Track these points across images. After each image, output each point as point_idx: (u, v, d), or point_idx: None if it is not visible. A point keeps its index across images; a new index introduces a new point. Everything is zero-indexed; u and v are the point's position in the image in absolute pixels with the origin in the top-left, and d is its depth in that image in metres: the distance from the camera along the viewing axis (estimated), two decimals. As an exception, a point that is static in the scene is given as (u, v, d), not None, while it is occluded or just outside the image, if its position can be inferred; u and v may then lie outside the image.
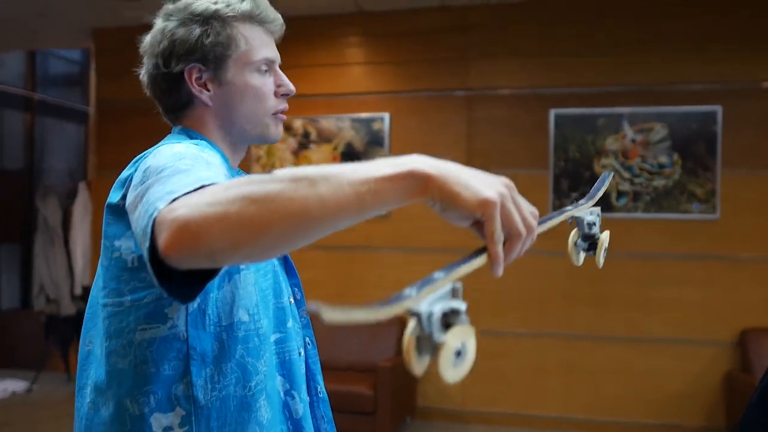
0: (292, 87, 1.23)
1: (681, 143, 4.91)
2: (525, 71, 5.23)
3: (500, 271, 0.83)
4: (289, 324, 1.20)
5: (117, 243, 1.08)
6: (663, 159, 4.94)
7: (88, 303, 1.18)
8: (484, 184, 0.79)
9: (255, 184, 0.75)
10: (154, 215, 0.80)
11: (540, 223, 0.89)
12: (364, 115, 5.49)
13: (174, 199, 0.80)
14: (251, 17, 1.19)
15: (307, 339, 1.29)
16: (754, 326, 4.73)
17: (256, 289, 1.12)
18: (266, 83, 1.21)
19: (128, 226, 1.05)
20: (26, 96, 8.17)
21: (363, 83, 5.54)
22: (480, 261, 0.82)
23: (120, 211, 1.07)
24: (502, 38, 5.27)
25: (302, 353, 1.25)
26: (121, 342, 1.06)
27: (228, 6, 1.17)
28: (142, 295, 1.05)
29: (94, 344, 1.13)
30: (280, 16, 1.23)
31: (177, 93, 1.20)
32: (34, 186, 8.13)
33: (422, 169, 0.79)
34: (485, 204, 0.77)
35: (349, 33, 5.60)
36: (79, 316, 6.26)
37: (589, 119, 5.01)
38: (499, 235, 0.80)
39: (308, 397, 1.27)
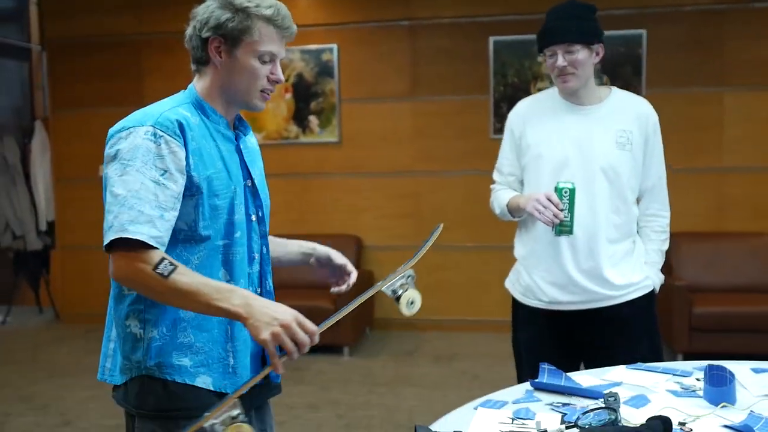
0: (281, 78, 1.63)
1: (609, 65, 5.29)
2: (465, 1, 5.50)
3: (281, 371, 1.43)
4: (237, 234, 1.59)
5: None
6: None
7: None
8: (267, 326, 1.38)
9: (161, 285, 1.42)
10: (108, 241, 1.43)
11: (353, 302, 1.60)
12: (313, 46, 5.71)
13: (124, 238, 1.41)
14: (269, 20, 1.57)
15: (264, 248, 1.70)
16: (673, 231, 5.10)
17: (199, 207, 1.53)
18: (263, 69, 1.59)
19: None
20: (-36, 34, 8.01)
21: (311, 15, 5.72)
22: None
23: None
24: (443, -31, 5.50)
25: (256, 257, 1.67)
26: None
27: (256, 7, 1.55)
28: None
29: None
30: (294, 26, 1.62)
31: (201, 52, 1.60)
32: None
33: (239, 312, 1.41)
34: (263, 342, 1.39)
35: (295, -35, 5.75)
36: (45, 250, 6.47)
37: (526, 45, 5.32)
38: (274, 353, 1.39)
39: (259, 289, 1.68)
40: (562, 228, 2.20)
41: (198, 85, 1.63)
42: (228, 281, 1.57)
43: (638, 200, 2.40)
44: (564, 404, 1.70)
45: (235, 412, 1.30)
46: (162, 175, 1.46)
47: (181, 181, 1.49)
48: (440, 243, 6.00)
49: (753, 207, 5.26)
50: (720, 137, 5.27)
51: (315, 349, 5.01)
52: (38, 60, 8.71)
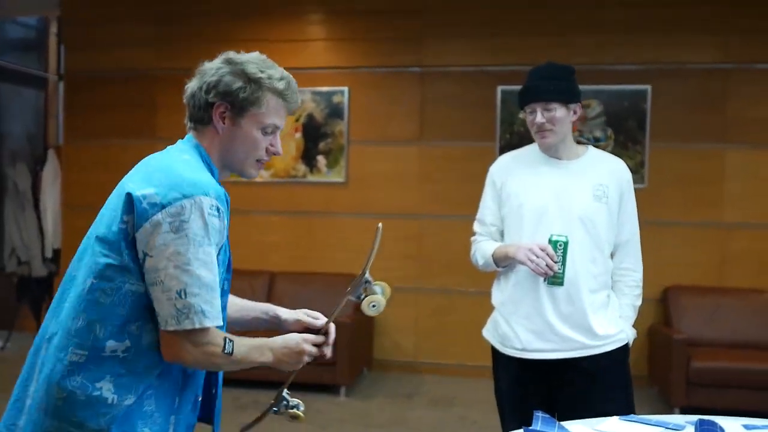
0: (280, 150, 1.65)
1: (614, 119, 5.39)
2: (474, 51, 5.63)
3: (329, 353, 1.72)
4: (225, 299, 1.63)
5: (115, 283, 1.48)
6: (598, 133, 5.42)
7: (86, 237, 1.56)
8: (294, 364, 1.65)
9: (226, 361, 1.52)
10: (189, 327, 1.44)
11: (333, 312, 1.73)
12: (324, 88, 5.82)
13: (203, 328, 1.45)
14: (279, 93, 1.57)
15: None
16: (675, 284, 5.28)
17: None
18: (264, 140, 1.60)
19: (124, 257, 1.46)
20: (-15, 62, 8.18)
21: (323, 58, 5.85)
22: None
23: (116, 242, 1.46)
24: (454, 20, 5.64)
25: None
26: (109, 285, 1.45)
27: (269, 79, 1.56)
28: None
29: (78, 274, 1.51)
30: (300, 100, 1.66)
31: (203, 113, 1.57)
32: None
33: (272, 363, 1.60)
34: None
35: (310, 10, 5.90)
36: (50, 277, 6.51)
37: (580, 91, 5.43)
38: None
39: None
40: (555, 279, 2.25)
41: (203, 143, 1.60)
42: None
43: (612, 255, 2.44)
44: (557, 453, 1.73)
45: (368, 284, 1.76)
46: (219, 252, 1.51)
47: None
48: (442, 286, 6.07)
49: (755, 263, 5.28)
50: (721, 193, 5.32)
51: (312, 389, 5.00)
52: (54, 89, 8.89)
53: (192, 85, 1.58)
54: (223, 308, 1.58)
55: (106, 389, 1.42)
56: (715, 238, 5.33)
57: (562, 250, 2.24)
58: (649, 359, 5.25)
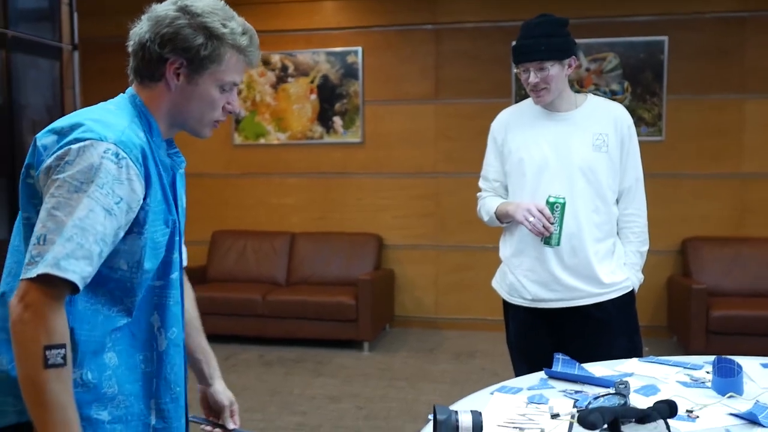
0: (237, 109, 1.47)
1: (631, 71, 5.35)
2: (487, 6, 5.59)
3: None
4: (173, 275, 1.40)
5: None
6: (615, 86, 5.39)
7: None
8: None
9: (33, 366, 1.17)
10: (35, 274, 1.15)
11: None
12: (338, 49, 5.82)
13: (45, 278, 1.15)
14: (242, 50, 1.39)
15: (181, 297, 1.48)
16: (693, 236, 5.30)
17: (146, 246, 1.32)
18: (221, 98, 1.42)
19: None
20: (0, 33, 8.23)
21: (337, 18, 5.84)
22: None
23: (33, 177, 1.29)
24: (467, -26, 5.59)
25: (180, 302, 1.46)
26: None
27: (232, 34, 1.37)
28: None
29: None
30: (259, 56, 1.46)
31: (153, 67, 1.37)
32: (14, 122, 8.31)
33: None
34: None
35: (323, -31, 5.87)
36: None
37: (575, 42, 5.40)
38: None
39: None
40: (549, 240, 2.28)
41: (143, 95, 1.40)
42: (158, 328, 1.40)
43: (618, 201, 2.45)
44: (576, 391, 1.78)
45: None
46: (117, 203, 1.24)
47: (128, 215, 1.27)
48: (460, 243, 6.11)
49: (773, 213, 5.29)
50: (740, 143, 5.30)
51: (336, 344, 5.10)
52: (69, 59, 8.93)
53: (140, 33, 1.38)
54: (167, 264, 1.39)
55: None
56: (733, 188, 5.32)
57: (559, 212, 2.25)
58: (668, 309, 5.29)
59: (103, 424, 1.31)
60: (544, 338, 2.45)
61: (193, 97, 1.39)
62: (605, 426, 1.30)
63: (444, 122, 5.69)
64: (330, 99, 5.87)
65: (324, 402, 4.10)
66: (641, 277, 2.49)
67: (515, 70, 2.41)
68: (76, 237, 1.18)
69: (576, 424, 1.38)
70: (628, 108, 5.28)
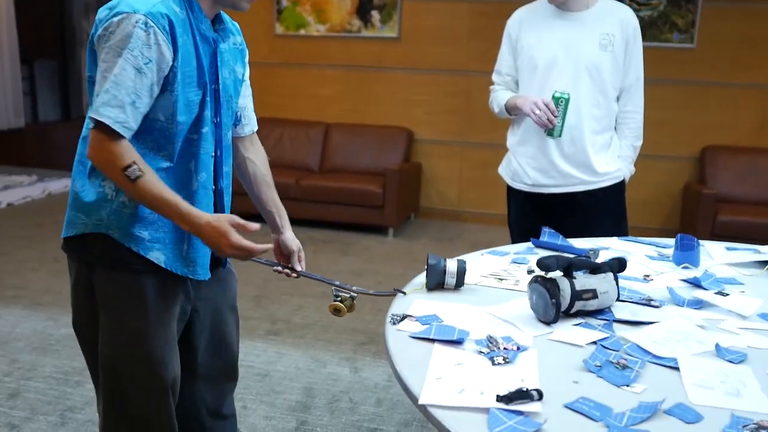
0: None
1: (668, -24, 5.37)
2: None
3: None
4: (204, 130, 1.63)
5: None
6: (651, -9, 5.42)
7: None
8: (208, 244, 1.57)
9: (128, 186, 1.50)
10: (91, 125, 1.48)
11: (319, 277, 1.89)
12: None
13: (106, 126, 1.46)
14: None
15: (218, 150, 1.72)
16: (713, 144, 5.45)
17: (177, 101, 1.56)
18: None
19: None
20: None
21: None
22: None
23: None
24: None
25: (214, 155, 1.69)
26: None
27: None
28: None
29: None
30: None
31: None
32: (64, 4, 8.56)
33: (191, 230, 1.56)
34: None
35: None
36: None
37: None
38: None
39: (214, 186, 1.71)
40: (551, 132, 2.52)
41: None
42: (194, 172, 1.65)
43: (618, 99, 2.65)
44: (555, 257, 2.09)
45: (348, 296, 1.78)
46: (146, 64, 1.49)
47: (159, 74, 1.52)
48: (487, 141, 6.34)
49: (795, 126, 5.39)
50: (769, 54, 5.34)
51: (362, 228, 5.49)
52: None
53: None
54: (199, 119, 1.62)
55: (108, 186, 1.58)
56: (757, 99, 5.41)
57: (563, 106, 2.46)
58: (681, 214, 5.52)
59: (144, 241, 1.60)
60: (540, 220, 2.73)
61: None
62: (560, 270, 1.60)
63: (477, 21, 5.80)
64: (369, -7, 6.01)
65: (348, 276, 4.50)
66: (633, 169, 2.74)
67: None
68: (111, 90, 1.47)
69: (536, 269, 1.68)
70: (662, 14, 5.39)
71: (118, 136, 1.49)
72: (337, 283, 1.82)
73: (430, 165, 6.13)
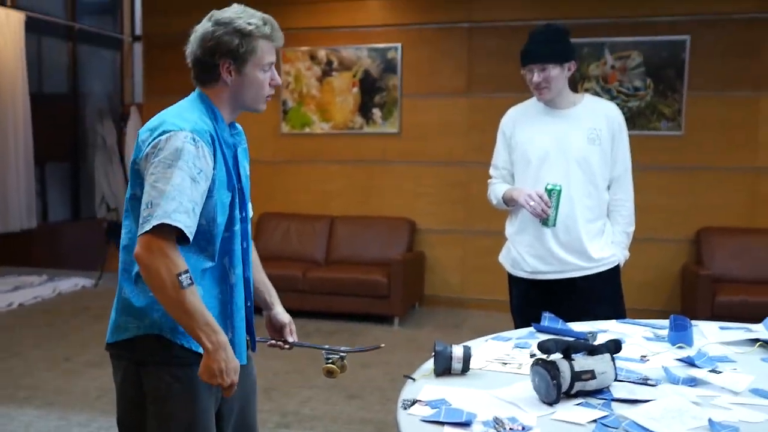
0: (279, 81, 1.86)
1: (653, 69, 5.66)
2: (520, 6, 5.95)
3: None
4: (236, 228, 1.80)
5: None
6: (638, 83, 5.71)
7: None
8: (212, 375, 1.66)
9: (173, 291, 1.60)
10: (151, 226, 1.56)
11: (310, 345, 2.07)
12: (379, 45, 6.26)
13: (160, 227, 1.57)
14: (268, 37, 1.78)
15: (244, 242, 1.87)
16: (708, 225, 5.60)
17: (216, 205, 1.72)
18: (266, 78, 1.81)
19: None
20: (67, 25, 8.82)
21: (379, 16, 6.27)
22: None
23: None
24: (500, -23, 5.95)
25: (242, 247, 1.85)
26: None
27: (257, 29, 1.75)
28: None
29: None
30: (282, 36, 1.84)
31: (211, 72, 1.77)
32: (78, 109, 8.93)
33: (207, 347, 1.64)
34: (199, 375, 1.69)
35: (365, -29, 6.29)
36: (134, 223, 7.20)
37: (576, 48, 5.73)
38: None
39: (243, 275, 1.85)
40: (546, 221, 2.66)
41: (208, 93, 1.79)
42: (228, 267, 1.79)
43: (609, 188, 2.81)
44: (556, 340, 2.19)
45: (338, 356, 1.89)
46: (198, 173, 1.63)
47: (208, 183, 1.68)
48: (487, 228, 6.47)
49: (786, 206, 5.55)
50: (755, 138, 5.57)
51: (369, 318, 5.55)
52: (129, 51, 9.53)
53: (193, 51, 1.78)
54: (231, 219, 1.77)
55: None
56: (747, 181, 5.60)
57: (555, 197, 2.63)
58: (681, 296, 5.61)
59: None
60: (540, 306, 2.83)
61: (245, 84, 1.78)
62: (559, 352, 1.70)
63: (475, 115, 6.08)
64: (370, 92, 6.32)
65: (356, 368, 4.55)
66: (627, 254, 2.87)
67: (522, 72, 2.79)
68: (177, 197, 1.59)
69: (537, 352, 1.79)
70: (649, 104, 5.64)
71: (174, 242, 1.61)
72: (327, 347, 1.94)
73: (433, 254, 6.27)
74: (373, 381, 4.32)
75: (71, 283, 7.25)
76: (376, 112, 6.33)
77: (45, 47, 8.80)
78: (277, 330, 2.07)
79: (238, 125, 1.93)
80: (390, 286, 5.57)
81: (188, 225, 1.61)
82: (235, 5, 1.82)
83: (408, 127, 6.28)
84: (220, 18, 1.77)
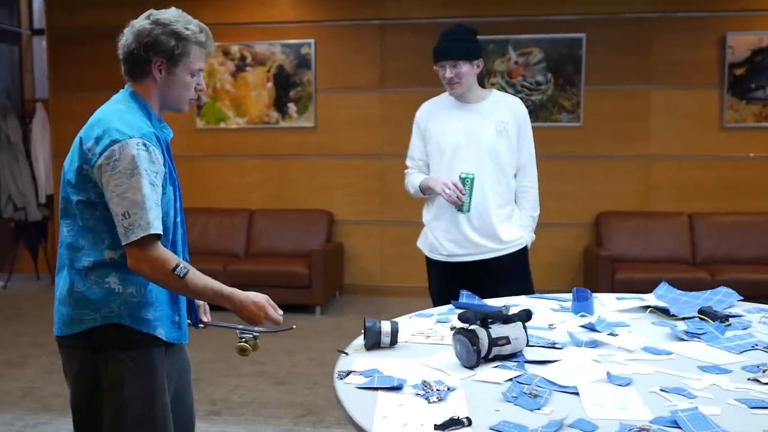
0: (204, 87, 1.98)
1: (554, 65, 6.02)
2: (429, 4, 6.18)
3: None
4: (178, 218, 1.93)
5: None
6: (539, 78, 6.05)
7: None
8: (247, 318, 1.92)
9: (177, 283, 1.78)
10: (138, 237, 1.71)
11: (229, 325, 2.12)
12: (293, 41, 6.35)
13: (146, 237, 1.71)
14: (201, 44, 1.89)
15: (182, 228, 2.00)
16: (607, 210, 6.01)
17: (168, 200, 1.86)
18: (192, 82, 1.91)
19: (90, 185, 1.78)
20: (-38, 18, 8.41)
21: (292, 13, 6.36)
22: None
23: (82, 175, 1.78)
24: (409, -25, 6.16)
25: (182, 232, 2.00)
26: (90, 214, 1.81)
27: (193, 34, 1.86)
28: None
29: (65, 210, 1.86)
30: (214, 45, 1.96)
31: (142, 67, 1.86)
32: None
33: (232, 307, 1.88)
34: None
35: (277, -33, 6.37)
36: (44, 221, 7.03)
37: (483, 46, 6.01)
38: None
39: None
40: (461, 208, 2.88)
41: (138, 89, 1.89)
42: (177, 253, 1.91)
43: (515, 176, 3.04)
44: (473, 314, 2.39)
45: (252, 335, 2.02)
46: (155, 177, 1.76)
47: (161, 182, 1.80)
48: (402, 218, 6.69)
49: (675, 190, 6.03)
50: (647, 128, 6.02)
51: (292, 309, 5.67)
52: (27, 45, 9.18)
53: (127, 44, 1.86)
54: (175, 210, 1.91)
55: (113, 282, 1.81)
56: (640, 168, 6.05)
57: (469, 185, 2.84)
58: (584, 275, 6.00)
59: (151, 321, 1.86)
60: (457, 286, 3.03)
61: (173, 84, 1.88)
62: (478, 322, 1.90)
63: (388, 108, 6.28)
64: (285, 87, 6.40)
65: (281, 354, 4.67)
66: (533, 236, 3.12)
67: (435, 68, 2.97)
68: (150, 206, 1.73)
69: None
70: (551, 97, 5.97)
71: (158, 244, 1.76)
72: (241, 327, 2.05)
73: (352, 244, 6.43)
74: (299, 367, 4.46)
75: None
76: (292, 107, 6.42)
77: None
78: (192, 311, 2.18)
79: (162, 120, 2.02)
80: (311, 277, 5.70)
81: (162, 229, 1.78)
82: (172, 8, 1.92)
83: (323, 121, 6.41)
84: (159, 18, 1.86)
